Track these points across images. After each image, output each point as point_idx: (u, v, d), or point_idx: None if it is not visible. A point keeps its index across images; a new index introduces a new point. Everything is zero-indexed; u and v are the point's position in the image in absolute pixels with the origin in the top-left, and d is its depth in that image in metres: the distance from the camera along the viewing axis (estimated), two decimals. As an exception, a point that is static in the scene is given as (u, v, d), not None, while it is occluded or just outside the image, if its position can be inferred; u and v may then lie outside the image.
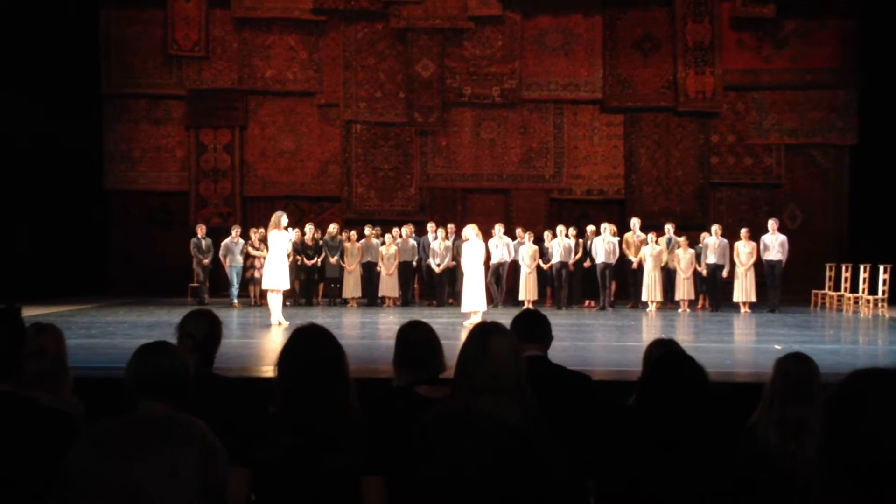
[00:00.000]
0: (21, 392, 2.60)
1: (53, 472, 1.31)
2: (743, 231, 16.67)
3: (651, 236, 16.84)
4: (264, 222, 15.55)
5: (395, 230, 17.84)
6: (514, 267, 17.34)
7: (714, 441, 3.10)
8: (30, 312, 11.45)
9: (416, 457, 1.39)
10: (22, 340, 2.62)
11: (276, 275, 13.17)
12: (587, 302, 17.41)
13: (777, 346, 9.91)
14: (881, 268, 15.49)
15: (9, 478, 2.30)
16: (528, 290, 16.90)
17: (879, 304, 15.41)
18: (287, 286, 13.68)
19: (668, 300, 16.80)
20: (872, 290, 15.70)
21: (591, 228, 17.47)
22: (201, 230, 17.73)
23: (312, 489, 2.81)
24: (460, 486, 1.32)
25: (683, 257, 16.51)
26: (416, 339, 3.67)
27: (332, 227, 17.80)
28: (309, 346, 2.94)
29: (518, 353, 2.88)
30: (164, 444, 1.31)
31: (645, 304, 16.61)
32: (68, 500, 1.29)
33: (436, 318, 13.01)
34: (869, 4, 18.79)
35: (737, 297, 16.31)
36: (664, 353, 3.53)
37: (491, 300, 15.63)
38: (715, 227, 16.93)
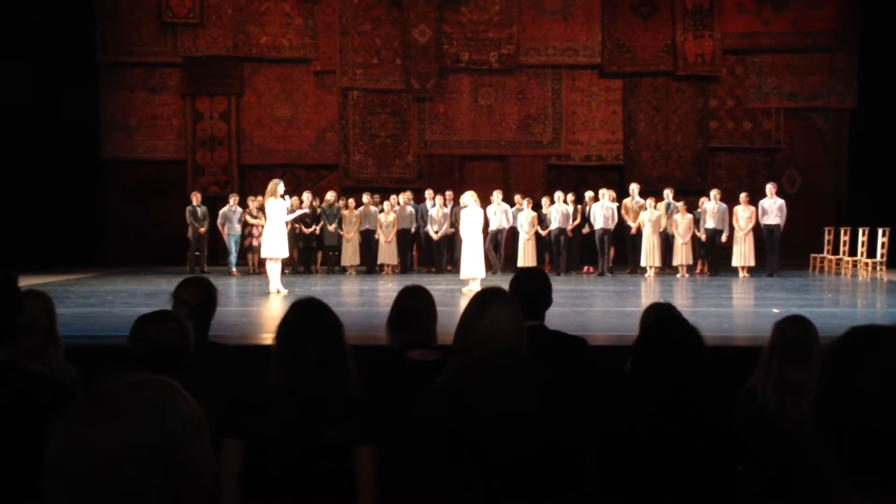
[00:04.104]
0: (17, 361, 2.60)
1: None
2: (742, 196, 16.65)
3: (650, 201, 16.81)
4: (262, 190, 15.52)
5: (393, 198, 17.81)
6: (513, 233, 17.34)
7: (710, 403, 3.11)
8: (29, 282, 11.45)
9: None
10: (19, 310, 2.62)
11: (274, 243, 13.15)
12: (586, 268, 17.42)
13: (775, 310, 9.93)
14: (879, 231, 15.49)
15: (8, 448, 2.30)
16: (526, 256, 16.90)
17: (878, 268, 15.43)
18: (286, 254, 13.67)
19: (667, 265, 16.81)
20: (871, 253, 15.71)
21: (589, 194, 17.43)
22: (196, 198, 17.68)
23: (308, 462, 2.81)
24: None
25: (682, 222, 16.50)
26: (413, 306, 3.69)
27: (330, 195, 17.77)
28: (307, 318, 2.94)
29: (520, 321, 2.87)
30: (125, 414, 1.30)
31: (643, 270, 16.63)
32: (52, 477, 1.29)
33: (434, 285, 13.02)
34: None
35: (735, 261, 16.32)
36: (658, 316, 3.53)
37: (489, 267, 15.63)
38: (714, 192, 16.90)
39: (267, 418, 2.83)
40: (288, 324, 2.96)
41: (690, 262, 16.64)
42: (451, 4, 19.84)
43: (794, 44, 19.53)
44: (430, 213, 17.54)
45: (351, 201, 17.65)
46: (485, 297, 2.90)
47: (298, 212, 15.80)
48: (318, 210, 17.57)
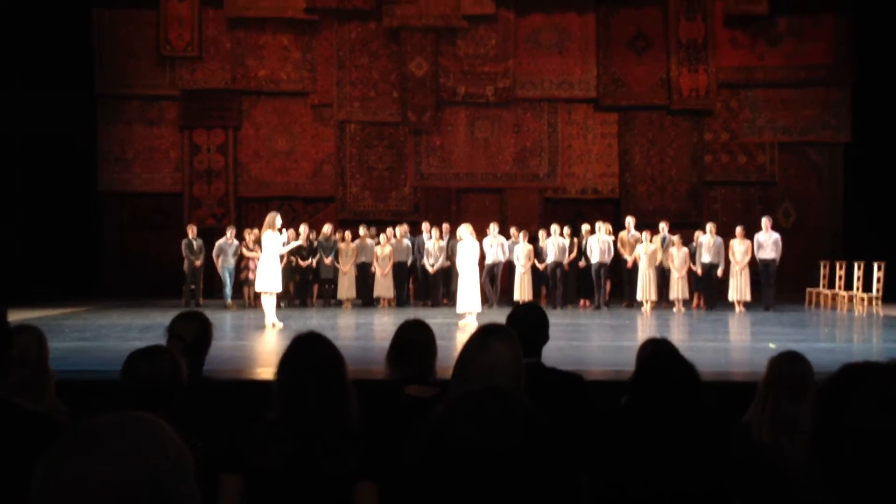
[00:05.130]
0: (7, 396, 2.58)
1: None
2: (738, 229, 16.66)
3: (645, 235, 16.83)
4: (259, 223, 15.53)
5: (390, 230, 17.81)
6: (509, 266, 17.33)
7: (706, 438, 3.09)
8: (24, 315, 11.40)
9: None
10: (9, 343, 2.60)
11: (268, 277, 13.13)
12: (582, 301, 17.40)
13: (772, 345, 9.91)
14: (875, 265, 15.50)
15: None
16: (522, 289, 16.88)
17: (874, 302, 15.42)
18: (280, 288, 13.61)
19: (663, 299, 16.78)
20: (867, 287, 15.70)
21: (585, 227, 17.46)
22: (192, 231, 17.66)
23: (309, 496, 2.79)
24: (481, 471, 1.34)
25: (678, 256, 16.50)
26: (413, 339, 3.69)
27: (327, 228, 17.77)
28: (309, 352, 2.93)
29: (519, 359, 2.87)
30: (109, 451, 1.29)
31: (640, 304, 16.60)
32: None
33: (431, 319, 12.90)
34: (862, 1, 18.80)
35: (732, 295, 16.30)
36: (654, 351, 3.53)
37: (486, 300, 15.60)
38: (709, 226, 16.91)
39: (267, 452, 2.81)
40: (290, 357, 2.95)
41: (686, 295, 16.61)
42: (447, 38, 20.00)
43: (788, 78, 19.66)
44: (426, 245, 17.54)
45: (347, 234, 17.66)
46: (486, 334, 2.90)
47: (293, 244, 15.74)
48: (315, 243, 17.57)
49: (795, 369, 3.60)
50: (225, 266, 17.11)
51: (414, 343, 3.67)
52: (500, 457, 1.29)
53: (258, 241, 15.38)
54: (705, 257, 16.52)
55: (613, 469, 3.13)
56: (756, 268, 16.50)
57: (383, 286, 17.29)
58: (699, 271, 16.64)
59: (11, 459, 2.25)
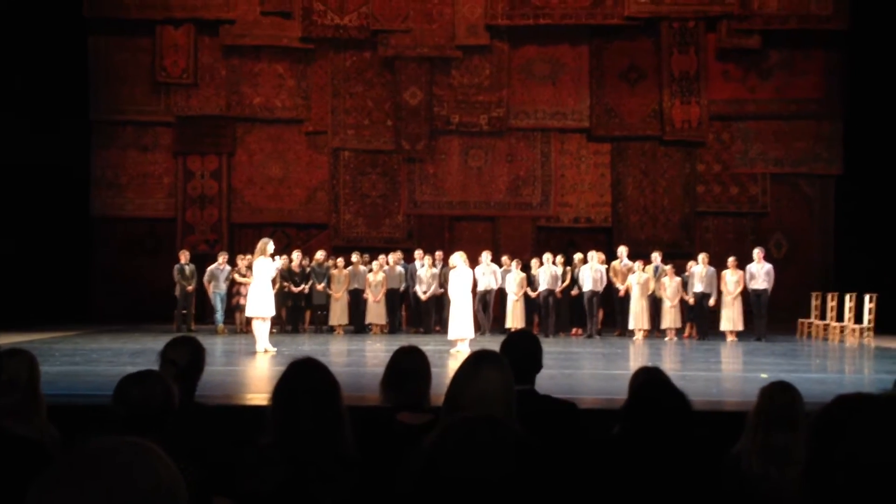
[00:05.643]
0: (-2, 420, 2.57)
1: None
2: (730, 260, 16.70)
3: (638, 264, 16.86)
4: (251, 249, 15.50)
5: (383, 257, 17.81)
6: (501, 294, 17.33)
7: (697, 467, 3.09)
8: (14, 339, 11.36)
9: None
10: None
11: (260, 302, 13.12)
12: (574, 330, 17.40)
13: (763, 375, 9.91)
14: (866, 297, 15.53)
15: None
16: (514, 317, 16.87)
17: (865, 333, 15.44)
18: (272, 313, 13.60)
19: (655, 328, 16.79)
20: (858, 319, 15.72)
21: (578, 256, 17.49)
22: (184, 256, 17.64)
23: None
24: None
25: (670, 285, 16.52)
26: (408, 366, 3.69)
27: (320, 254, 17.77)
28: (305, 377, 2.93)
29: (510, 386, 2.87)
30: (100, 477, 1.29)
31: (632, 333, 16.60)
32: None
33: (423, 346, 12.87)
34: (853, 35, 19.01)
35: (724, 325, 16.31)
36: (646, 380, 3.54)
37: (478, 328, 15.59)
38: (702, 256, 16.95)
39: (260, 478, 2.80)
40: (285, 382, 2.94)
41: (678, 325, 16.62)
42: (442, 68, 20.12)
43: (780, 111, 19.82)
44: (418, 273, 17.53)
45: (340, 260, 17.65)
46: (478, 360, 2.90)
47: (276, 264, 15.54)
48: (308, 269, 17.55)
49: (786, 399, 3.60)
50: (216, 291, 17.08)
51: (409, 370, 3.68)
52: (493, 485, 1.29)
53: (250, 267, 15.36)
54: (697, 287, 16.54)
55: (605, 498, 3.12)
56: (748, 298, 16.53)
57: (375, 313, 17.27)
58: (691, 301, 16.65)
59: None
